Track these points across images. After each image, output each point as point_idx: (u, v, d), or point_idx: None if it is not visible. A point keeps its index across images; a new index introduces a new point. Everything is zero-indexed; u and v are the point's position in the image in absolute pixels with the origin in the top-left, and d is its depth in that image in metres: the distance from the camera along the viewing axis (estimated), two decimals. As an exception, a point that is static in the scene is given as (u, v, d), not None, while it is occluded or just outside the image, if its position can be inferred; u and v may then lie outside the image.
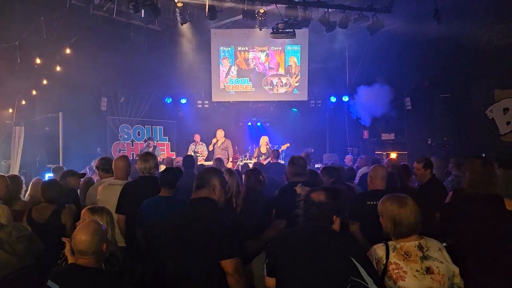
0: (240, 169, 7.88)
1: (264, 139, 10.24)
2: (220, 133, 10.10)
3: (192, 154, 9.74)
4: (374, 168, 3.75)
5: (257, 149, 10.21)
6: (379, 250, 2.35)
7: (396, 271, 2.25)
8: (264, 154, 9.83)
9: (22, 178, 4.56)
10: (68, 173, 4.83)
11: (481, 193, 3.10)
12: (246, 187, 4.11)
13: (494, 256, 2.91)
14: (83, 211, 2.95)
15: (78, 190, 4.82)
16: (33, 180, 4.89)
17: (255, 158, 9.95)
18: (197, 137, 10.55)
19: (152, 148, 10.17)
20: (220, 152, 9.76)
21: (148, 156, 4.16)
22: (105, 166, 4.54)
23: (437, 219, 3.62)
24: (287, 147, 10.25)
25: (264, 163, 8.53)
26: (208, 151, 10.30)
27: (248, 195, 3.98)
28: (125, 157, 4.33)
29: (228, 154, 9.90)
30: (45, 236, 3.19)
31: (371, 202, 3.39)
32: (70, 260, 2.46)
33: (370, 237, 3.23)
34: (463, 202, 3.19)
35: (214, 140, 10.07)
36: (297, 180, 3.74)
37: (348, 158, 9.93)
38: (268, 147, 10.14)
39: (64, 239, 2.56)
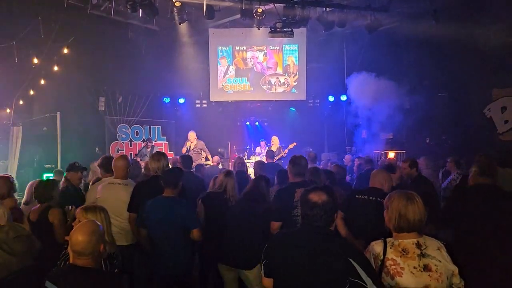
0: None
1: (276, 139, 10.31)
2: (192, 135, 9.88)
3: (185, 150, 9.70)
4: (374, 171, 4.00)
5: (268, 149, 10.22)
6: (376, 246, 2.37)
7: (394, 267, 2.26)
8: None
9: (12, 178, 4.51)
10: (69, 167, 4.80)
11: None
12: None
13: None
14: (77, 210, 2.93)
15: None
16: (30, 182, 4.86)
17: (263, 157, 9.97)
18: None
19: (150, 148, 10.15)
20: (194, 154, 9.67)
21: (161, 156, 4.20)
22: (107, 165, 4.51)
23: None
24: (294, 146, 10.20)
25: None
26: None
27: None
28: (124, 157, 4.32)
29: (202, 154, 9.82)
30: (36, 235, 3.23)
31: (360, 196, 3.69)
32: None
33: (356, 228, 3.56)
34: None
35: (188, 144, 9.99)
36: (297, 181, 3.77)
37: (347, 158, 9.94)
38: (278, 146, 10.20)
39: (67, 237, 2.55)
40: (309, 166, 6.02)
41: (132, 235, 3.98)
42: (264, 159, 9.53)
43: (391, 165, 5.45)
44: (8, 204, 4.01)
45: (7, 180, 4.14)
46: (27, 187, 4.77)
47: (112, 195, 3.98)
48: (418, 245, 2.29)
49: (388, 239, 2.37)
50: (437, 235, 2.52)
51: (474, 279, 2.63)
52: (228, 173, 4.28)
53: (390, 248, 2.31)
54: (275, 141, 10.33)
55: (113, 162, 4.22)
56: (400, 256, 2.27)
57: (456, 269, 2.27)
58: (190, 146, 9.80)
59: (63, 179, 4.86)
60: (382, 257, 2.30)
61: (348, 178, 7.30)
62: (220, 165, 8.96)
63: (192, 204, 4.00)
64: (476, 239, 3.02)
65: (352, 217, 3.64)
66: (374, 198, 3.58)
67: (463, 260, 2.41)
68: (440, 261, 2.24)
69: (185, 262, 3.62)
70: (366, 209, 3.56)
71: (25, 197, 4.72)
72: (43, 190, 3.86)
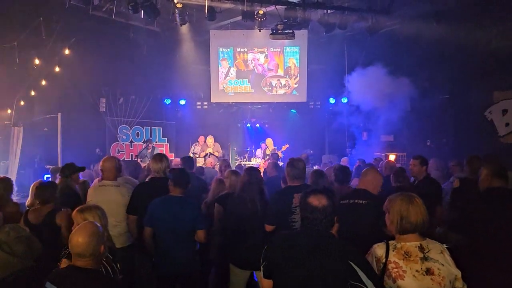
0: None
1: (270, 141, 10.57)
2: (210, 140, 10.35)
3: (191, 155, 9.75)
4: (364, 171, 3.78)
5: (263, 151, 10.53)
6: (379, 249, 2.36)
7: (396, 270, 2.25)
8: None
9: (11, 179, 4.43)
10: (69, 169, 4.60)
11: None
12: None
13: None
14: (73, 213, 2.88)
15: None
16: (33, 183, 4.80)
17: (262, 159, 10.17)
18: (201, 139, 10.69)
19: (150, 149, 10.17)
20: (211, 156, 9.81)
21: (162, 157, 4.19)
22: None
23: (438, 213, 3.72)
24: (287, 148, 10.32)
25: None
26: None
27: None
28: (111, 158, 4.27)
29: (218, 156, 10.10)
30: (40, 237, 3.17)
31: (345, 201, 3.47)
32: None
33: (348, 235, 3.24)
34: None
35: (210, 150, 10.10)
36: (295, 185, 3.63)
37: (344, 160, 9.89)
38: (273, 148, 10.42)
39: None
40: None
41: (126, 237, 3.96)
42: (263, 162, 9.63)
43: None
44: (10, 207, 4.00)
45: (2, 181, 4.09)
46: (31, 189, 4.68)
47: (104, 197, 3.91)
48: (421, 248, 2.28)
49: (390, 242, 2.35)
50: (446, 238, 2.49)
51: (484, 284, 2.59)
52: (234, 173, 4.25)
53: (393, 251, 2.30)
54: (270, 144, 10.46)
55: (101, 164, 4.15)
56: (403, 259, 2.26)
57: (459, 273, 2.25)
58: (209, 152, 10.01)
59: (60, 179, 4.77)
60: (384, 260, 2.29)
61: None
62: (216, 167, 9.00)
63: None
64: (491, 244, 2.94)
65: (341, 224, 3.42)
66: (362, 201, 3.41)
67: (473, 265, 2.36)
68: (443, 265, 2.23)
69: (190, 261, 3.61)
70: (354, 214, 3.33)
71: (29, 199, 4.63)
72: (46, 191, 3.79)
